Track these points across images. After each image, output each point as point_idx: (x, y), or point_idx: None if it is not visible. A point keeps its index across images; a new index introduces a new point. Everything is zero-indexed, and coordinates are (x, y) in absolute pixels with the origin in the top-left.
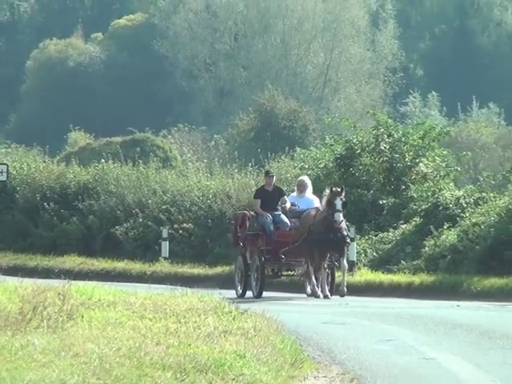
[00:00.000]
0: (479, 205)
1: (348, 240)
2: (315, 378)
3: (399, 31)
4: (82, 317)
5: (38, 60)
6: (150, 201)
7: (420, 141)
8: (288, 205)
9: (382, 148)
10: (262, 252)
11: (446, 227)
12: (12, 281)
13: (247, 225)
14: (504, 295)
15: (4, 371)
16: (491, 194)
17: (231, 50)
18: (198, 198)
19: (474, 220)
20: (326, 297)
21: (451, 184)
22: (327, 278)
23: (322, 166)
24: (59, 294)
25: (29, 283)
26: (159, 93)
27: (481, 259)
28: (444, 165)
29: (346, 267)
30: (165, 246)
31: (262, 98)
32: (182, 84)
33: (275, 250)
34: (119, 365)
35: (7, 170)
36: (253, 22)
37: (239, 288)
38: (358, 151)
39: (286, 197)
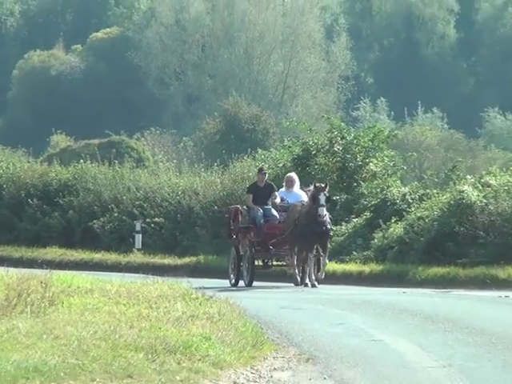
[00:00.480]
0: (423, 200)
1: (331, 233)
2: (274, 358)
3: (351, 43)
4: (63, 303)
5: (23, 69)
6: (124, 197)
7: (370, 143)
8: (278, 200)
9: (336, 149)
10: (253, 244)
11: (393, 221)
12: None
13: (239, 218)
14: (446, 283)
15: None
16: (434, 191)
17: (199, 60)
18: (169, 194)
19: (418, 214)
20: (313, 286)
21: (398, 182)
22: (314, 268)
23: (281, 165)
24: (42, 282)
25: (14, 272)
26: (133, 99)
27: (425, 250)
28: (392, 164)
29: (327, 261)
30: (138, 239)
31: (226, 104)
32: (153, 91)
33: (265, 242)
34: (96, 346)
35: None
36: (218, 35)
37: (232, 277)
38: (313, 152)
39: (276, 192)
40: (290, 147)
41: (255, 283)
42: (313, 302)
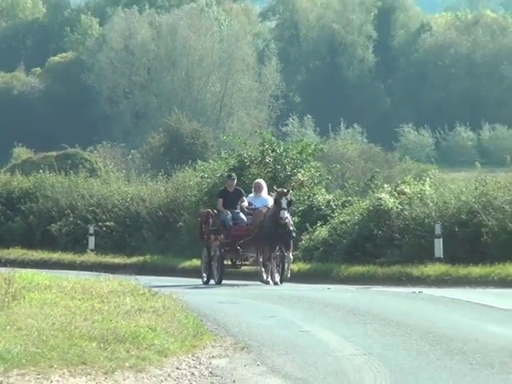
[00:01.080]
0: (346, 206)
1: (293, 234)
2: (213, 347)
3: (281, 66)
4: (24, 298)
5: None
6: (79, 203)
7: (298, 155)
8: (245, 204)
9: (267, 161)
10: (222, 245)
11: (319, 225)
12: None
13: (210, 221)
14: (366, 280)
15: None
16: (355, 198)
17: (145, 81)
18: (118, 201)
19: (341, 219)
20: (275, 283)
21: (323, 190)
22: (277, 267)
23: (218, 175)
24: (5, 279)
25: None
26: (87, 116)
27: (347, 250)
28: (318, 174)
29: (291, 259)
30: (91, 240)
31: (170, 120)
32: (105, 109)
33: (233, 243)
34: (54, 336)
35: None
36: (162, 59)
37: (204, 276)
38: (247, 163)
39: (244, 197)
40: (226, 159)
41: (224, 281)
42: (248, 297)
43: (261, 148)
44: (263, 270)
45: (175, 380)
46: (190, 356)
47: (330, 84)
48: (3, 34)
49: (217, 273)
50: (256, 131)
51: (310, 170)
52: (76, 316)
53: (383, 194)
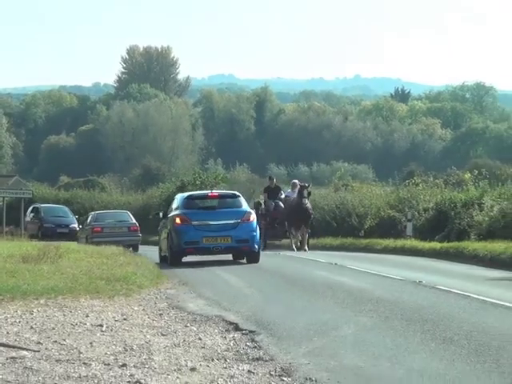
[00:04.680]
0: None
1: (312, 216)
2: (167, 283)
3: (204, 132)
4: (65, 257)
5: None
6: (95, 206)
7: (213, 180)
8: (283, 196)
9: (197, 183)
10: (267, 225)
11: None
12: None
13: (259, 208)
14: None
15: (30, 279)
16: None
17: (131, 140)
18: (116, 205)
19: None
20: (299, 250)
21: None
22: (303, 239)
23: (170, 191)
24: (55, 247)
25: (41, 244)
26: (100, 159)
27: None
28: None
29: (309, 233)
30: None
31: (144, 161)
32: (109, 155)
33: (273, 223)
34: (81, 278)
35: None
36: (140, 128)
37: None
38: (186, 184)
39: (282, 191)
40: (174, 182)
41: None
42: (192, 257)
43: (193, 176)
44: (294, 241)
45: (147, 300)
46: (155, 288)
47: (230, 142)
48: (55, 114)
49: (262, 243)
50: (193, 168)
51: (220, 189)
52: (93, 266)
53: (260, 201)
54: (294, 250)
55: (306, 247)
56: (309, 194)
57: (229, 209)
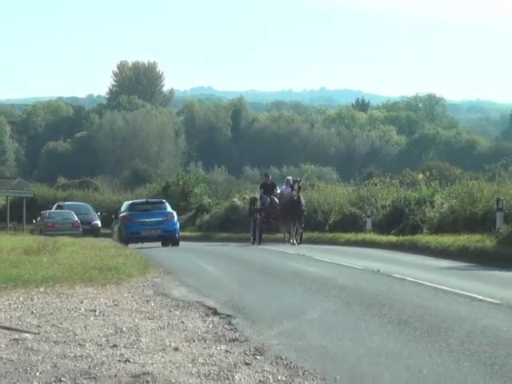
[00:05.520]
0: (216, 204)
1: (304, 211)
2: (153, 272)
3: (186, 138)
4: (62, 249)
5: None
6: (89, 204)
7: (194, 180)
8: (278, 192)
9: (180, 183)
10: (263, 219)
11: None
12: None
13: (255, 203)
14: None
15: (31, 269)
16: (222, 200)
17: (121, 145)
18: (108, 203)
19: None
20: (293, 244)
21: (206, 196)
22: (295, 233)
23: (156, 190)
24: (53, 240)
25: (41, 238)
26: (93, 162)
27: (220, 225)
28: (204, 190)
29: (303, 227)
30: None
31: (133, 164)
32: (102, 158)
33: (269, 217)
34: (76, 268)
35: None
36: (130, 134)
37: (251, 238)
38: (170, 185)
39: (277, 187)
40: (160, 182)
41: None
42: (173, 249)
43: (177, 177)
44: (285, 235)
45: (136, 288)
46: (142, 277)
47: (209, 147)
48: (53, 122)
49: (258, 237)
50: (176, 170)
51: (201, 188)
52: (87, 258)
53: (236, 199)
54: (286, 243)
55: (298, 240)
56: (299, 188)
57: (158, 211)
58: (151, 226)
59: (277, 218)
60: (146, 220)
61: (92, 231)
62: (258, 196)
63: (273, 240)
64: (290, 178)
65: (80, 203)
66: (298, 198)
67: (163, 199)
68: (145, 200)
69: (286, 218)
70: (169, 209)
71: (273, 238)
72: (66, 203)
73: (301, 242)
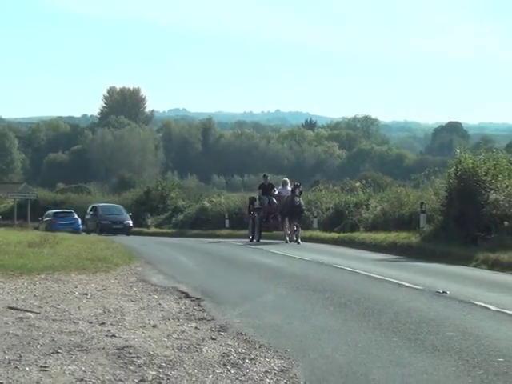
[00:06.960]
0: (189, 206)
1: (303, 212)
2: (136, 262)
3: (164, 151)
4: (61, 243)
5: None
6: (83, 206)
7: (170, 186)
8: (276, 192)
9: (159, 189)
10: (261, 218)
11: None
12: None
13: (254, 203)
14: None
15: (34, 259)
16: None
17: (110, 165)
18: (100, 204)
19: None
20: (291, 241)
21: (180, 199)
22: (295, 232)
23: (139, 194)
24: (52, 235)
25: (41, 232)
26: (87, 171)
27: (193, 224)
28: (179, 195)
29: (300, 229)
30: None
31: (120, 172)
32: (95, 168)
33: (268, 217)
34: (72, 258)
35: None
36: (117, 148)
37: (250, 235)
38: (151, 190)
39: (275, 188)
40: (142, 187)
41: (261, 239)
42: (155, 243)
43: (156, 183)
44: (287, 233)
45: (121, 275)
46: (127, 266)
47: (184, 158)
48: (54, 137)
49: (257, 233)
50: (156, 177)
51: (176, 192)
52: (81, 250)
53: (205, 202)
54: (286, 241)
55: (299, 240)
56: (300, 192)
57: (70, 216)
58: (66, 226)
59: (276, 218)
60: (62, 222)
61: (124, 230)
62: (256, 196)
63: (272, 238)
64: (286, 179)
65: (112, 204)
66: (299, 203)
67: (72, 210)
68: (62, 210)
69: (287, 218)
70: (76, 216)
71: (271, 236)
72: (101, 205)
73: (300, 240)
